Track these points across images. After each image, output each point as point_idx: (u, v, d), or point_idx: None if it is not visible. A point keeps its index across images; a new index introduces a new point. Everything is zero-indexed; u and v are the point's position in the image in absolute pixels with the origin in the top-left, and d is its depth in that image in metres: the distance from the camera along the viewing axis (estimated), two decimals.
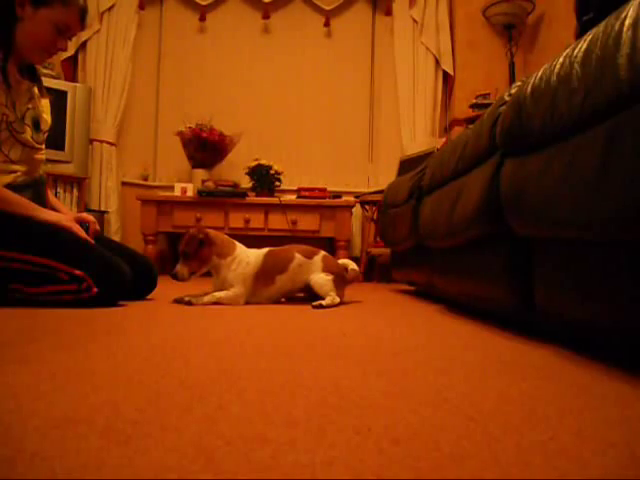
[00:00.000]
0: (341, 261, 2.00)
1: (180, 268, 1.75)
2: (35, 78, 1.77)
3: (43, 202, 1.73)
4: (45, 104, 1.82)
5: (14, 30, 1.57)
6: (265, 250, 1.85)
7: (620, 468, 0.44)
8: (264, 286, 1.81)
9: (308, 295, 1.91)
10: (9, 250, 1.51)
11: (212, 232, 1.80)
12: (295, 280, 1.84)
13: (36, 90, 1.77)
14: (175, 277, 1.75)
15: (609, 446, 0.49)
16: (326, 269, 1.83)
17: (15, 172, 1.66)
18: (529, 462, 0.45)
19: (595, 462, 0.45)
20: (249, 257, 1.80)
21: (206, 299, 1.72)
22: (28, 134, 1.69)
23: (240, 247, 1.84)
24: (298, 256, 1.83)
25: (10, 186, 1.61)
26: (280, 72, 4.23)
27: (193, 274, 1.77)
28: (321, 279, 1.81)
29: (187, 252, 1.74)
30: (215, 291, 1.77)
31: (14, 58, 1.65)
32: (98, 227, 1.84)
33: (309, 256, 1.85)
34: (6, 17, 1.55)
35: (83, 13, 1.66)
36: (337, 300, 1.78)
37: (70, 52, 3.92)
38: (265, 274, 1.80)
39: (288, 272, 1.81)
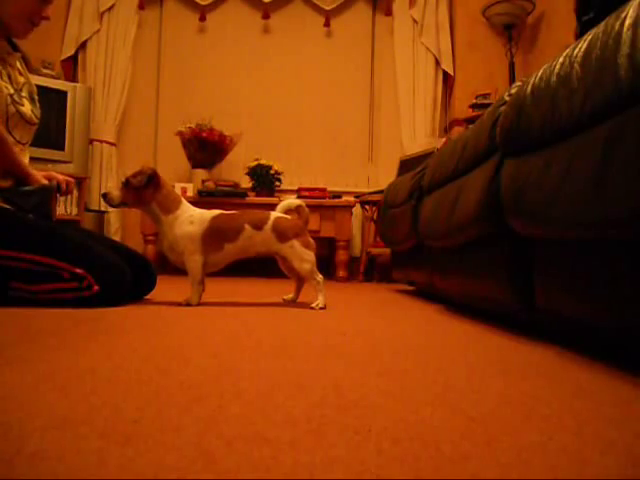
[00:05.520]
0: (282, 205, 1.85)
1: (114, 191, 1.70)
2: (19, 51, 1.71)
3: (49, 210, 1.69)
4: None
5: None
6: (213, 213, 1.77)
7: (620, 468, 0.44)
8: (211, 251, 1.74)
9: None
10: (12, 249, 1.50)
11: (165, 180, 1.75)
12: (247, 251, 1.78)
13: (20, 64, 1.70)
14: (104, 197, 1.71)
15: (609, 446, 0.49)
16: (281, 239, 1.74)
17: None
18: (529, 462, 0.45)
19: (595, 462, 0.45)
20: (193, 217, 1.73)
21: (190, 285, 1.71)
22: (28, 108, 1.64)
23: (185, 205, 1.76)
24: (248, 227, 1.74)
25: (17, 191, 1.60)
26: (280, 72, 4.22)
27: (124, 205, 1.72)
28: (301, 254, 1.73)
29: (131, 182, 1.68)
30: (164, 249, 1.76)
31: (1, 31, 1.58)
32: (71, 180, 1.80)
33: (259, 226, 1.75)
34: None
35: None
36: (322, 301, 1.74)
37: (70, 52, 3.92)
38: (212, 238, 1.73)
39: (237, 242, 1.75)
